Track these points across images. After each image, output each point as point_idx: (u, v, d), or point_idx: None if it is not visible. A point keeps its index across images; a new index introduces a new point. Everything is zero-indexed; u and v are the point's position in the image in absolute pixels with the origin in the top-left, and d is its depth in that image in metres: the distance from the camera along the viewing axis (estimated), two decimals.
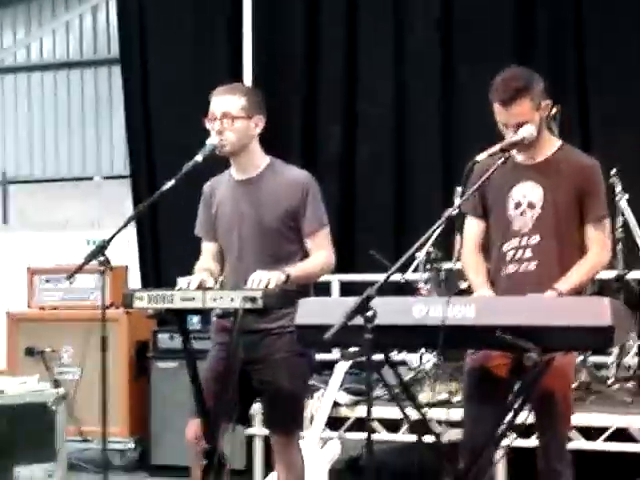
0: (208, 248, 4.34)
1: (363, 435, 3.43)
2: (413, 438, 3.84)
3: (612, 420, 5.46)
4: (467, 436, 3.98)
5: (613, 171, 5.81)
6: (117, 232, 4.05)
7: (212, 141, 4.14)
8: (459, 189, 5.38)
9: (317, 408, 5.69)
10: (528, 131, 3.87)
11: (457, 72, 7.37)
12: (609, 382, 5.87)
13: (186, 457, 4.31)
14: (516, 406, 3.64)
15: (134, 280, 7.87)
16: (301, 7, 7.86)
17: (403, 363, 6.10)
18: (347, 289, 6.96)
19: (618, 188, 5.92)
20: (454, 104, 7.38)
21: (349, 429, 5.91)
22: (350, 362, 5.82)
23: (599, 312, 3.25)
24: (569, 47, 7.13)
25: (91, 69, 9.81)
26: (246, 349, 3.97)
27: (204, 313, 6.12)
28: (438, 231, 4.24)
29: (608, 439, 5.47)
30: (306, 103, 7.82)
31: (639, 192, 6.11)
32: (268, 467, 5.60)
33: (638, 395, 5.76)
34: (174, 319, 4.11)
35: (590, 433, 5.49)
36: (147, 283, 8.04)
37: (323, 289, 5.88)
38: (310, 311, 3.61)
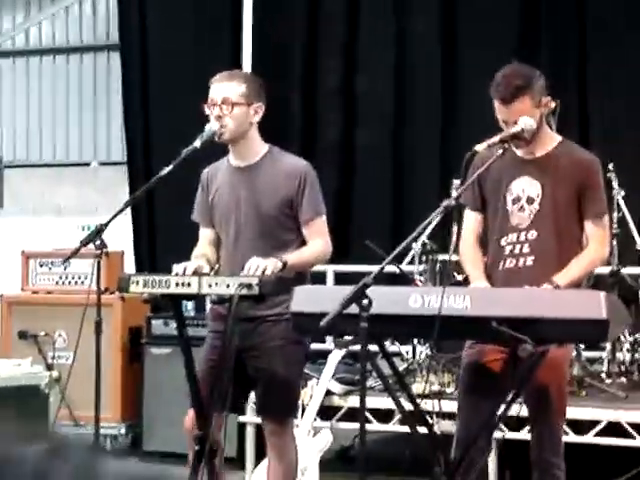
0: (205, 234, 4.34)
1: (355, 425, 3.44)
2: (405, 429, 3.85)
3: (604, 414, 5.47)
4: (462, 431, 3.99)
5: (610, 166, 5.82)
6: (114, 216, 4.05)
7: (211, 127, 4.14)
8: (456, 181, 5.38)
9: (309, 397, 5.69)
10: (527, 122, 3.87)
11: (458, 60, 7.38)
12: (602, 377, 5.89)
13: (178, 443, 4.32)
14: (510, 398, 3.65)
15: (129, 267, 7.86)
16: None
17: (397, 354, 6.11)
18: (342, 279, 6.96)
19: (615, 184, 5.93)
20: (454, 92, 7.38)
21: (341, 419, 5.91)
22: (343, 352, 5.82)
23: (594, 305, 3.27)
24: (571, 45, 7.13)
25: (90, 54, 9.78)
26: (241, 336, 3.97)
27: (199, 299, 6.13)
28: (435, 222, 4.25)
29: (599, 433, 5.48)
30: (305, 90, 7.81)
31: (635, 188, 6.13)
32: (259, 455, 5.60)
33: (631, 390, 5.77)
34: (169, 305, 4.11)
35: (582, 427, 5.50)
36: (142, 269, 8.03)
37: (318, 279, 5.88)
38: (306, 299, 3.62)
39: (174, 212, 7.50)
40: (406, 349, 6.14)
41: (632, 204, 6.04)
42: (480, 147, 3.76)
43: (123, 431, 6.80)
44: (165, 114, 8.20)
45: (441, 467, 3.71)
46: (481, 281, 3.97)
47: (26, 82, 9.98)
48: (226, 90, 4.14)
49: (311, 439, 5.55)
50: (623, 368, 5.95)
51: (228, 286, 3.78)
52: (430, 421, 4.11)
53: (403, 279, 5.83)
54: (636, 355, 5.93)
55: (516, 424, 4.86)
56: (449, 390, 5.59)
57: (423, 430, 3.83)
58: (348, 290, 3.29)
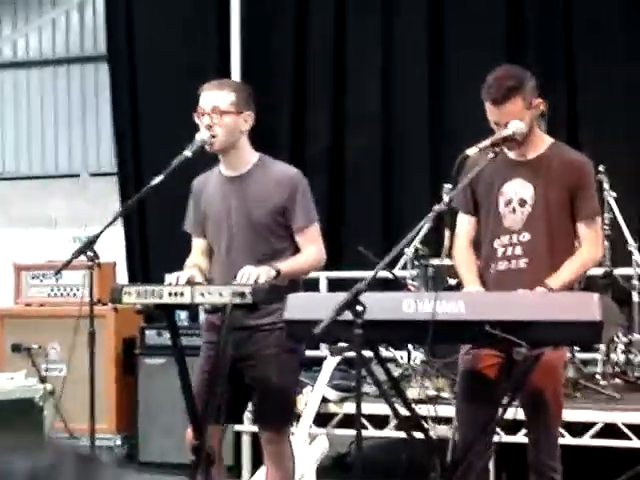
0: (198, 244, 4.33)
1: (351, 431, 3.43)
2: (401, 434, 3.84)
3: (600, 416, 5.47)
4: (460, 436, 3.99)
5: (601, 168, 5.83)
6: (105, 227, 4.04)
7: (201, 136, 4.13)
8: (447, 186, 5.38)
9: (305, 404, 5.68)
10: (518, 126, 3.87)
11: (446, 63, 7.40)
12: (597, 378, 5.89)
13: (174, 454, 4.31)
14: (505, 401, 3.65)
15: (121, 278, 7.85)
16: (290, 4, 7.86)
17: (391, 360, 6.10)
18: (335, 285, 6.96)
19: (605, 185, 5.94)
20: (443, 99, 7.39)
21: (337, 425, 5.91)
22: (338, 358, 5.81)
23: (588, 307, 3.27)
24: (558, 45, 7.15)
25: (78, 66, 9.77)
26: (236, 346, 3.97)
27: (192, 309, 6.12)
28: (426, 227, 4.25)
29: (595, 435, 5.49)
30: (294, 99, 7.82)
31: (626, 189, 6.14)
32: (256, 463, 5.59)
33: (626, 391, 5.78)
34: (162, 315, 4.09)
35: (578, 429, 5.51)
36: (135, 280, 8.02)
37: (311, 285, 5.88)
38: (299, 306, 3.61)
39: (166, 222, 7.49)
40: (401, 354, 6.14)
41: (623, 205, 6.05)
42: (471, 151, 3.75)
43: (118, 442, 6.79)
44: (155, 124, 8.20)
45: (437, 472, 3.70)
46: (474, 285, 3.97)
47: (14, 94, 9.96)
48: (215, 99, 4.13)
49: (308, 446, 5.54)
50: (618, 369, 5.96)
51: (221, 295, 3.77)
52: (426, 426, 4.10)
53: (396, 285, 5.83)
54: (630, 356, 5.94)
55: (513, 427, 4.86)
56: (444, 395, 5.59)
57: (419, 435, 3.82)
58: (341, 297, 3.28)
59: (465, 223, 4.15)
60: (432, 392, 5.64)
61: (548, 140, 4.08)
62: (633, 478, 5.42)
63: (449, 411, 4.22)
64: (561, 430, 4.91)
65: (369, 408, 5.53)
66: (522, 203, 3.98)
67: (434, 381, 5.74)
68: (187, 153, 4.09)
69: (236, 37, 7.62)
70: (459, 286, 4.38)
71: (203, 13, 8.08)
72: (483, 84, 3.94)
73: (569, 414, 5.24)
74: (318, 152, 7.68)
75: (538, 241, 3.95)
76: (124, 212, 5.22)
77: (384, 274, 4.21)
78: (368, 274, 3.37)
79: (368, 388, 5.38)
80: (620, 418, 5.45)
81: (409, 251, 6.02)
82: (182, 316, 6.42)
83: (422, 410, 4.48)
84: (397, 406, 3.83)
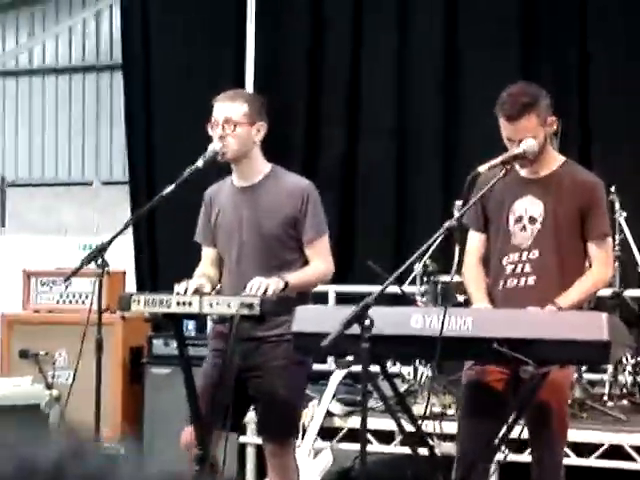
0: (208, 254, 4.34)
1: (356, 446, 3.43)
2: (406, 450, 3.83)
3: (606, 437, 5.45)
4: (463, 450, 3.97)
5: (612, 188, 5.82)
6: (116, 235, 4.05)
7: (214, 147, 4.14)
8: (458, 202, 5.38)
9: (310, 418, 5.67)
10: (529, 144, 3.87)
11: (461, 81, 7.39)
12: (604, 399, 5.87)
13: (181, 464, 4.29)
14: (511, 419, 3.64)
15: (130, 286, 7.86)
16: (304, 13, 7.87)
17: (397, 375, 6.09)
18: (343, 299, 6.95)
19: (617, 205, 5.93)
20: (458, 114, 7.39)
21: (342, 440, 5.90)
22: (344, 372, 5.81)
23: (596, 327, 3.26)
24: (572, 63, 7.14)
25: (93, 74, 9.81)
26: (243, 356, 3.97)
27: (200, 319, 6.12)
28: (436, 243, 4.23)
29: (601, 456, 5.47)
30: (308, 110, 7.83)
31: (638, 209, 6.13)
32: (260, 475, 5.59)
33: (632, 413, 5.75)
34: (170, 324, 4.10)
35: (584, 450, 5.48)
36: (143, 289, 8.03)
37: (319, 298, 5.88)
38: (307, 319, 3.61)
39: (176, 231, 7.50)
40: (407, 370, 6.12)
41: (634, 226, 6.04)
42: (482, 168, 3.75)
43: (124, 450, 6.78)
44: (168, 134, 8.22)
45: None
46: (483, 303, 3.96)
47: (29, 102, 10.00)
48: (228, 110, 4.15)
49: (312, 460, 5.53)
50: (625, 391, 5.93)
51: (229, 306, 3.77)
52: (431, 442, 4.09)
53: (404, 300, 5.83)
54: (638, 378, 5.91)
55: (518, 446, 4.84)
56: (450, 412, 5.58)
57: (424, 451, 3.81)
58: (349, 310, 3.28)
59: (476, 240, 4.15)
60: (438, 409, 5.63)
61: (560, 158, 4.07)
62: None
63: (455, 428, 4.21)
64: (567, 450, 4.89)
65: (374, 423, 5.51)
66: (532, 221, 3.98)
67: (440, 398, 5.73)
68: (199, 164, 4.10)
69: (251, 49, 7.64)
70: (468, 302, 4.38)
71: (219, 25, 8.11)
72: (497, 100, 3.95)
73: (575, 434, 5.23)
74: (331, 165, 7.69)
75: (547, 259, 3.95)
76: (134, 220, 5.24)
77: (393, 289, 4.22)
78: (377, 289, 3.37)
79: (374, 403, 5.37)
80: (626, 440, 5.42)
81: (418, 267, 6.01)
82: (189, 326, 6.41)
83: (428, 426, 4.49)
84: (402, 422, 3.82)
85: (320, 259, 4.17)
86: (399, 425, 3.78)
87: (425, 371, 5.91)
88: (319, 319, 3.52)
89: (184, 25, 8.23)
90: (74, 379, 4.67)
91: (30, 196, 9.94)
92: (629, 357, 5.91)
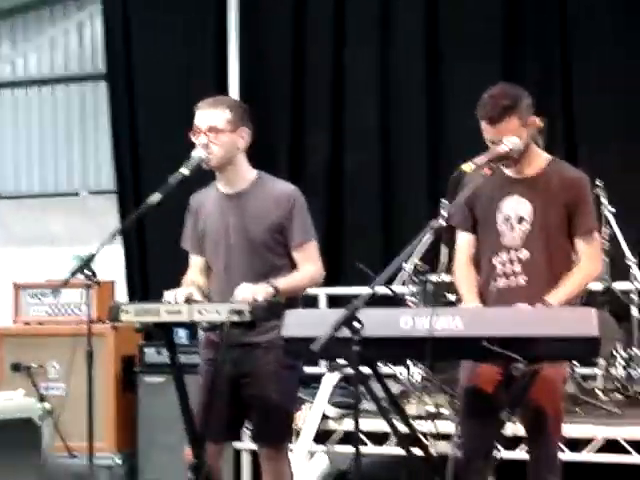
0: (196, 262, 4.33)
1: (351, 448, 3.43)
2: (401, 451, 3.83)
3: (600, 431, 5.46)
4: (462, 450, 3.98)
5: (598, 183, 5.83)
6: (102, 246, 4.03)
7: (198, 153, 4.14)
8: (445, 201, 5.38)
9: (305, 421, 5.67)
10: (513, 142, 3.88)
11: (444, 81, 7.39)
12: (597, 393, 5.87)
13: (174, 472, 4.30)
14: (505, 417, 3.64)
15: (122, 296, 7.85)
16: (287, 20, 7.87)
17: (392, 376, 6.09)
18: (334, 302, 6.95)
19: (604, 200, 5.94)
20: (442, 114, 7.39)
21: (337, 442, 5.90)
22: (338, 375, 5.81)
23: (586, 323, 3.27)
24: (556, 61, 7.15)
25: (77, 85, 9.78)
26: (234, 363, 3.97)
27: (191, 327, 6.11)
28: (427, 243, 4.25)
29: (596, 450, 5.47)
30: (292, 116, 7.82)
31: (623, 203, 6.14)
32: None
33: (626, 406, 5.76)
34: (161, 333, 4.09)
35: (579, 444, 5.49)
36: (135, 298, 8.01)
37: (310, 302, 5.87)
38: (297, 323, 3.61)
39: (165, 239, 7.47)
40: (400, 370, 6.12)
41: (621, 219, 6.05)
42: (466, 167, 3.75)
43: (118, 461, 6.77)
44: (154, 142, 8.20)
45: None
46: (474, 304, 3.97)
47: (13, 113, 9.97)
48: (211, 118, 4.14)
49: (307, 464, 5.53)
50: (618, 384, 5.94)
51: (219, 313, 3.77)
52: (425, 442, 4.09)
53: (395, 300, 5.82)
54: (631, 371, 5.92)
55: (512, 443, 4.85)
56: (444, 411, 5.58)
57: (419, 452, 3.81)
58: (339, 313, 3.28)
59: (465, 241, 4.16)
60: (431, 408, 5.63)
61: (546, 157, 4.08)
62: None
63: (449, 427, 4.21)
64: (561, 445, 4.90)
65: (369, 425, 5.51)
66: (520, 220, 3.99)
67: (434, 397, 5.73)
68: (184, 171, 4.09)
69: (234, 55, 7.63)
70: (458, 302, 4.38)
71: (201, 32, 8.09)
72: (478, 102, 3.95)
73: (569, 429, 5.23)
74: (316, 168, 7.68)
75: (537, 258, 3.96)
76: (121, 230, 5.23)
77: (383, 290, 4.21)
78: (368, 290, 3.37)
79: (368, 405, 5.37)
80: (620, 433, 5.43)
81: (408, 267, 6.01)
82: (181, 334, 6.41)
83: (422, 426, 4.48)
84: (396, 423, 3.82)
85: (309, 263, 4.17)
86: (392, 426, 3.78)
87: (418, 371, 5.91)
88: (309, 323, 3.52)
89: (167, 34, 8.22)
90: (67, 391, 4.67)
91: (17, 208, 9.90)
92: (621, 351, 5.92)
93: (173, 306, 3.88)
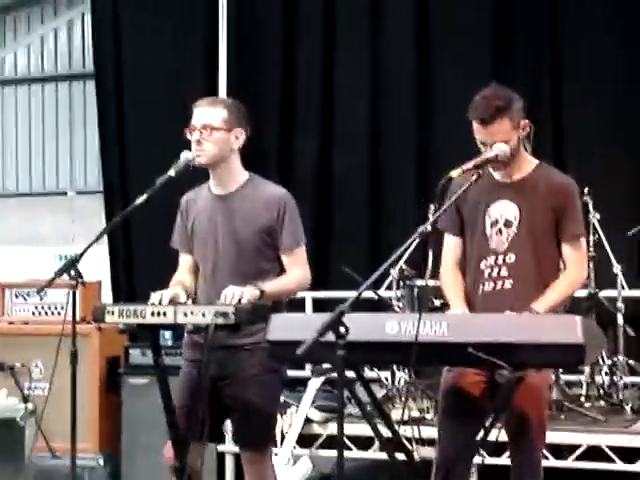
0: (185, 261, 4.33)
1: (335, 453, 3.41)
2: (385, 456, 3.83)
3: (584, 438, 5.47)
4: (441, 453, 3.97)
5: (586, 190, 5.85)
6: (89, 246, 4.03)
7: (186, 155, 4.14)
8: (433, 206, 5.38)
9: (289, 425, 5.67)
10: (501, 148, 3.88)
11: (434, 86, 7.40)
12: (581, 400, 5.89)
13: (157, 474, 4.28)
14: (489, 423, 3.64)
15: (107, 296, 7.83)
16: (277, 23, 7.87)
17: (377, 380, 6.09)
18: (321, 306, 6.95)
19: (590, 207, 5.96)
20: (431, 119, 7.40)
21: (321, 446, 5.89)
22: (322, 379, 5.80)
23: (571, 330, 3.26)
24: (545, 69, 7.17)
25: (66, 83, 9.77)
26: (217, 365, 3.95)
27: (176, 329, 6.10)
28: (412, 248, 4.25)
29: (579, 457, 5.48)
30: (282, 120, 7.82)
31: (610, 211, 6.15)
32: None
33: (610, 413, 5.77)
34: (146, 334, 4.08)
35: (562, 451, 5.50)
36: (120, 299, 8.00)
37: (297, 306, 5.87)
38: (282, 326, 3.60)
39: (152, 240, 7.47)
40: (385, 375, 6.12)
41: (608, 226, 6.07)
42: (455, 173, 3.75)
43: (101, 462, 6.75)
44: (141, 143, 8.19)
45: None
46: (461, 309, 3.96)
47: (1, 112, 9.95)
48: (207, 116, 4.15)
49: (291, 467, 5.52)
50: (602, 392, 5.95)
51: (204, 315, 3.76)
52: (409, 447, 4.09)
53: (381, 305, 5.83)
54: (615, 378, 5.93)
55: (496, 449, 4.85)
56: (428, 416, 5.58)
57: (402, 457, 3.81)
58: (324, 317, 3.27)
59: (452, 244, 4.16)
60: (416, 413, 5.63)
61: (534, 162, 4.09)
62: None
63: (433, 432, 4.21)
64: (545, 452, 4.91)
65: (353, 429, 5.52)
66: (507, 224, 3.99)
67: (418, 402, 5.73)
68: (171, 173, 4.09)
69: (223, 58, 7.63)
70: (444, 306, 4.38)
71: (191, 34, 8.09)
72: (470, 103, 3.95)
73: (553, 436, 5.24)
74: (305, 172, 7.68)
75: (523, 262, 3.96)
76: (107, 231, 5.22)
77: (370, 295, 4.21)
78: (354, 294, 3.36)
79: (352, 409, 5.37)
80: (604, 440, 5.44)
81: (394, 271, 6.01)
82: (167, 335, 6.40)
83: (406, 431, 4.48)
84: (381, 427, 3.81)
85: (297, 268, 4.17)
86: (376, 431, 3.77)
87: (403, 376, 5.92)
88: (294, 327, 3.51)
89: (156, 34, 8.21)
90: (50, 391, 4.65)
91: (4, 207, 9.88)
92: (605, 358, 5.93)
93: (158, 308, 3.87)
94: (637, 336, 6.08)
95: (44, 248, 9.26)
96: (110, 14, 8.43)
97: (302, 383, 6.06)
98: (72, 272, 4.01)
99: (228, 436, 5.73)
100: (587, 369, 5.89)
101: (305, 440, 5.85)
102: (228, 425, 4.42)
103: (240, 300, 3.84)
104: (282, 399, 4.76)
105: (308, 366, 6.38)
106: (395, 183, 7.50)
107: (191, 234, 4.28)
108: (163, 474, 4.20)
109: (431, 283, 5.75)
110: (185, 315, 3.81)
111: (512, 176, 4.02)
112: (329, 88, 7.71)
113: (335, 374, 3.31)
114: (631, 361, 6.02)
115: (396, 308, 5.93)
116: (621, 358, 5.93)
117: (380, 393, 5.87)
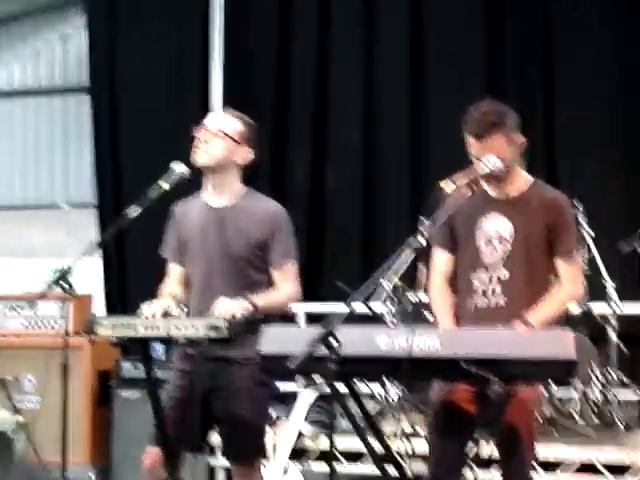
0: (175, 272, 4.32)
1: (326, 467, 3.41)
2: (376, 470, 3.82)
3: (576, 454, 5.46)
4: (433, 468, 3.97)
5: (579, 207, 5.85)
6: (80, 259, 4.02)
7: (180, 169, 4.15)
8: (423, 219, 5.37)
9: (281, 439, 5.65)
10: (495, 163, 3.88)
11: (428, 98, 7.41)
12: (574, 416, 5.88)
13: None
14: (479, 437, 3.64)
15: (100, 309, 7.82)
16: (271, 36, 7.88)
17: (369, 395, 6.08)
18: (313, 319, 6.93)
19: (583, 223, 5.96)
20: (425, 130, 7.41)
21: (312, 460, 5.87)
22: (315, 393, 5.79)
23: (563, 345, 3.26)
24: (537, 86, 7.18)
25: (60, 97, 9.76)
26: (209, 376, 3.95)
27: (168, 342, 6.08)
28: (406, 262, 4.21)
29: (572, 473, 5.47)
30: (275, 132, 7.82)
31: (602, 225, 6.16)
32: None
33: (602, 429, 5.77)
34: (137, 347, 4.07)
35: (554, 467, 5.49)
36: (113, 312, 7.98)
37: (289, 319, 5.85)
38: (274, 340, 3.59)
39: (144, 253, 7.45)
40: (378, 389, 6.11)
41: (600, 242, 6.07)
42: (444, 184, 3.75)
43: (92, 475, 6.73)
44: (135, 156, 8.19)
45: None
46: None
47: None
48: (224, 122, 4.19)
49: None
50: (594, 407, 5.94)
51: (196, 328, 3.75)
52: (401, 462, 4.08)
53: (374, 319, 5.81)
54: (607, 394, 5.92)
55: (486, 463, 4.84)
56: (420, 431, 5.56)
57: (394, 471, 3.80)
58: (316, 331, 3.27)
59: (443, 260, 4.15)
60: (408, 427, 5.62)
61: (529, 179, 4.08)
62: None
63: (425, 447, 4.20)
64: (537, 467, 4.90)
65: (345, 443, 5.51)
66: (502, 241, 3.99)
67: (410, 416, 5.72)
68: (164, 185, 4.09)
69: (217, 70, 7.64)
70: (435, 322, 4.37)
71: (185, 46, 8.10)
72: (465, 117, 3.95)
73: (545, 451, 5.23)
74: (298, 184, 7.68)
75: (517, 279, 3.96)
76: (99, 244, 5.21)
77: (362, 309, 4.18)
78: (345, 308, 3.36)
79: (344, 423, 5.36)
80: (596, 456, 5.44)
81: (387, 286, 6.00)
82: (158, 349, 6.38)
83: (398, 446, 4.47)
84: (372, 442, 3.80)
85: (288, 284, 4.17)
86: (367, 446, 3.76)
87: (395, 390, 5.91)
88: (286, 340, 3.51)
89: (151, 48, 8.22)
90: (42, 404, 4.63)
91: None
92: (598, 374, 5.92)
93: (150, 321, 3.86)
94: (630, 352, 6.08)
95: (37, 261, 9.23)
96: (104, 26, 8.44)
97: (294, 397, 6.05)
98: (64, 284, 4.01)
99: (219, 450, 5.72)
100: (580, 386, 5.88)
101: (297, 454, 5.83)
102: (219, 439, 4.41)
103: (233, 314, 3.83)
104: (272, 412, 4.75)
105: (300, 380, 6.37)
106: (389, 194, 7.50)
107: (183, 245, 4.27)
108: None
109: (423, 298, 5.75)
110: (177, 328, 3.81)
111: (506, 192, 4.02)
112: (323, 100, 7.71)
113: (326, 387, 3.31)
114: (624, 378, 6.01)
115: (388, 322, 5.92)
116: (613, 373, 5.92)
117: (374, 410, 5.86)
